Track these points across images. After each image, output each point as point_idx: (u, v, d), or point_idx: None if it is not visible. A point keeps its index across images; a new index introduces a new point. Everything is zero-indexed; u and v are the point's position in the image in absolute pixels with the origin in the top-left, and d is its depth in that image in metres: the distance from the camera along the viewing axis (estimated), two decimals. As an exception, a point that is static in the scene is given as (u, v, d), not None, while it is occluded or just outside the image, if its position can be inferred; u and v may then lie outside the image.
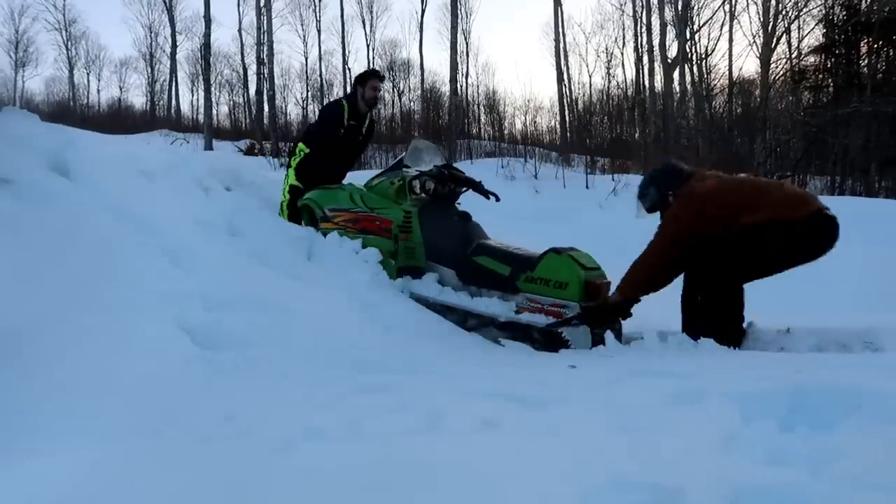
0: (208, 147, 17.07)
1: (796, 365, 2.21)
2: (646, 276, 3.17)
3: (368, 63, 32.12)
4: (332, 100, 5.26)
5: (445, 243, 3.81)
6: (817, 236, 2.96)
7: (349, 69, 30.57)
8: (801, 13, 16.81)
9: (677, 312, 3.23)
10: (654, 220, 3.32)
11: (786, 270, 3.04)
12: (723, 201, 3.08)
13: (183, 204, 3.76)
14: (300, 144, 4.54)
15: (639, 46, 21.95)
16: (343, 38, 30.21)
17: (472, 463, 1.49)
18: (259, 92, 20.50)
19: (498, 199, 4.06)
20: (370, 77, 4.67)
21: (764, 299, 3.09)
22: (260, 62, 20.59)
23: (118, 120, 29.28)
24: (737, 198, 3.08)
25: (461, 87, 25.51)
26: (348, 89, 30.64)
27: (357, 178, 4.78)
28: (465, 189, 4.09)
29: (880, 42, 14.90)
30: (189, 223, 3.57)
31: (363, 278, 3.71)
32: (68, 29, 35.62)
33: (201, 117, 23.23)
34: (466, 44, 29.76)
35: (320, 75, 31.62)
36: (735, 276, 3.07)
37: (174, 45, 32.01)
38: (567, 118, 20.03)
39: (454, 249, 3.75)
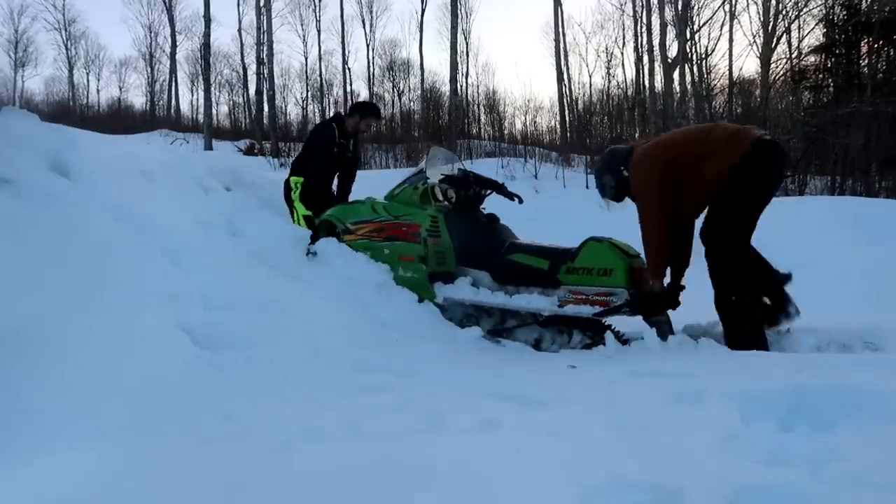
0: (208, 147, 17.06)
1: (796, 365, 2.21)
2: (659, 254, 3.14)
3: (368, 63, 32.13)
4: (317, 123, 5.20)
5: (476, 246, 3.76)
6: (767, 164, 2.99)
7: (349, 69, 30.63)
8: (801, 13, 16.83)
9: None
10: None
11: (763, 204, 3.06)
12: (673, 150, 3.12)
13: (183, 204, 3.76)
14: (292, 179, 4.52)
15: (639, 46, 21.96)
16: (343, 38, 30.21)
17: (472, 463, 1.49)
18: (259, 92, 20.50)
19: (521, 201, 4.02)
20: (371, 114, 4.73)
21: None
22: (260, 62, 20.59)
23: (118, 120, 29.26)
24: (684, 143, 3.13)
25: (461, 87, 25.52)
26: (349, 89, 30.81)
27: (364, 177, 4.83)
28: (488, 192, 4.06)
29: (880, 42, 14.89)
30: (189, 223, 3.58)
31: (363, 278, 3.71)
32: (68, 29, 35.65)
33: (201, 117, 23.23)
34: (466, 44, 29.77)
35: (320, 75, 31.65)
36: (735, 231, 3.04)
37: (174, 45, 32.00)
38: (567, 118, 20.03)
39: (486, 251, 3.71)
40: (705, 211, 3.14)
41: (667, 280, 3.26)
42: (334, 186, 4.92)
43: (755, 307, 3.05)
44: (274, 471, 1.52)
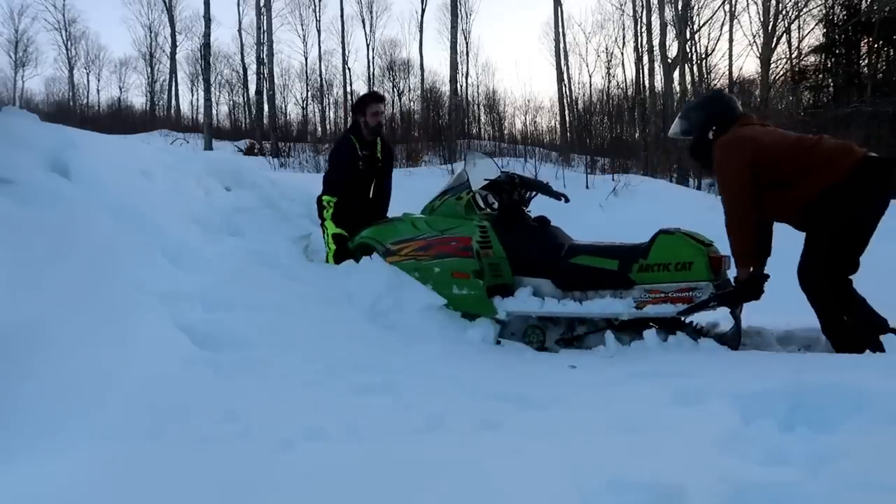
0: (208, 147, 17.04)
1: (796, 365, 2.21)
2: (743, 244, 2.95)
3: (368, 63, 32.14)
4: (337, 139, 4.71)
5: (532, 252, 3.49)
6: (868, 187, 2.75)
7: (349, 69, 30.61)
8: (801, 13, 16.81)
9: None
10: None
11: (868, 235, 2.84)
12: (767, 155, 2.90)
13: (183, 204, 3.76)
14: (325, 197, 4.14)
15: (639, 46, 21.95)
16: (343, 37, 30.24)
17: (472, 463, 1.49)
18: (259, 92, 20.50)
19: (567, 200, 3.74)
20: (368, 102, 4.28)
21: (764, 299, 3.08)
22: (260, 62, 20.60)
23: (118, 120, 29.23)
24: (782, 150, 2.91)
25: (461, 87, 25.54)
26: (349, 88, 30.82)
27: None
28: (534, 193, 3.81)
29: (880, 42, 14.90)
30: (189, 223, 3.58)
31: (363, 279, 3.70)
32: (68, 29, 35.65)
33: (201, 117, 23.23)
34: (466, 44, 29.80)
35: (320, 75, 31.67)
36: (833, 271, 2.84)
37: (174, 45, 32.01)
38: (567, 118, 20.04)
39: (544, 257, 3.44)
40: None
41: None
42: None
43: (865, 320, 2.83)
44: (274, 471, 1.52)
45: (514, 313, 3.42)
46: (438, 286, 3.57)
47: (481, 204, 3.73)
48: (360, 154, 4.21)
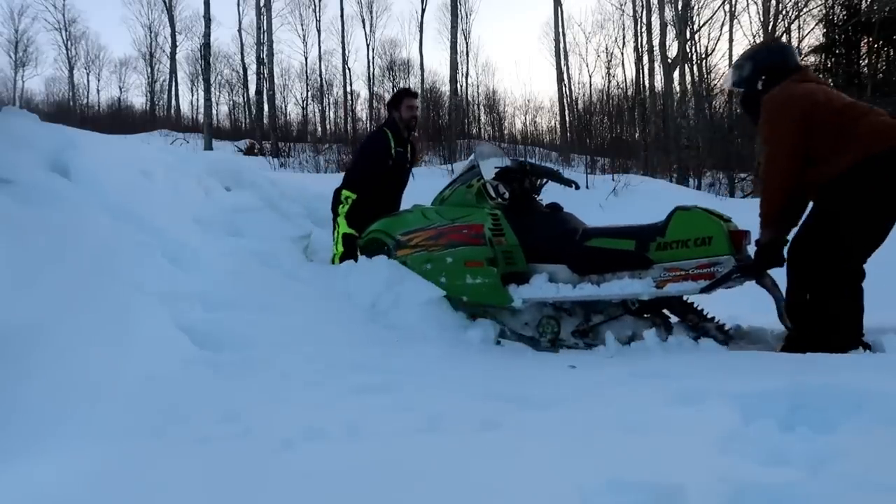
0: (208, 147, 17.04)
1: (796, 365, 2.21)
2: (773, 201, 2.80)
3: (368, 63, 32.14)
4: (370, 131, 4.71)
5: (545, 239, 3.42)
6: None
7: (349, 69, 30.65)
8: (801, 13, 16.81)
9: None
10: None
11: (882, 232, 2.69)
12: (816, 113, 2.73)
13: (183, 204, 3.76)
14: (344, 192, 4.06)
15: (639, 46, 21.96)
16: (343, 37, 30.28)
17: (472, 463, 1.49)
18: (259, 92, 20.52)
19: (577, 187, 3.72)
20: (404, 97, 4.30)
21: (764, 298, 3.08)
22: (260, 62, 20.62)
23: (118, 120, 29.24)
24: (829, 108, 2.75)
25: (461, 87, 25.57)
26: (349, 88, 30.80)
27: None
28: (545, 181, 3.77)
29: (880, 42, 14.89)
30: (189, 223, 3.58)
31: (362, 277, 3.70)
32: (68, 29, 35.65)
33: (201, 117, 23.23)
34: (466, 44, 29.81)
35: (320, 75, 31.69)
36: (846, 254, 2.70)
37: (174, 45, 32.02)
38: (567, 118, 20.05)
39: (558, 242, 3.37)
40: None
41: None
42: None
43: (835, 311, 2.71)
44: (274, 471, 1.52)
45: (530, 300, 3.33)
46: (451, 277, 3.49)
47: (492, 193, 3.66)
48: (392, 151, 4.16)
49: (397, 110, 4.25)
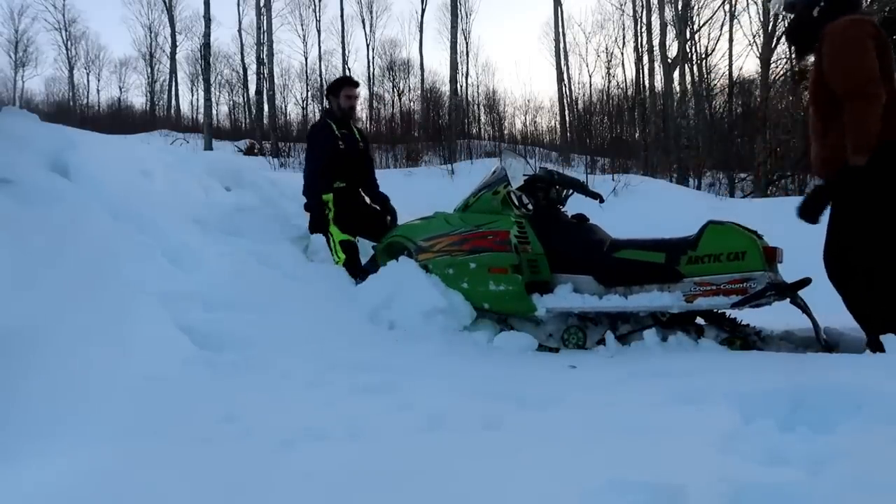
0: (208, 147, 17.05)
1: (796, 365, 2.21)
2: (864, 125, 2.54)
3: (368, 63, 32.13)
4: (311, 127, 4.55)
5: (572, 249, 3.39)
6: None
7: (349, 69, 30.61)
8: (801, 13, 16.79)
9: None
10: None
11: None
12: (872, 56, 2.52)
13: (183, 204, 3.76)
14: (323, 197, 3.98)
15: (639, 46, 21.96)
16: (343, 37, 30.23)
17: (472, 463, 1.49)
18: (259, 92, 20.50)
19: (602, 200, 3.72)
20: (343, 85, 4.26)
21: (769, 310, 3.07)
22: (260, 62, 20.60)
23: (118, 120, 29.22)
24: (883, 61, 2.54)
25: (461, 87, 25.54)
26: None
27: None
28: (570, 192, 3.72)
29: (880, 42, 14.87)
30: (189, 223, 3.58)
31: (368, 280, 3.70)
32: (68, 29, 35.61)
33: (201, 117, 23.23)
34: (466, 44, 29.75)
35: (320, 75, 31.60)
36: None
37: (174, 45, 31.99)
38: (567, 118, 20.06)
39: (585, 253, 3.34)
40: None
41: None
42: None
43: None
44: (274, 471, 1.52)
45: (554, 310, 3.28)
46: (474, 283, 3.41)
47: (516, 203, 3.62)
48: (337, 133, 4.15)
49: (336, 97, 4.23)
